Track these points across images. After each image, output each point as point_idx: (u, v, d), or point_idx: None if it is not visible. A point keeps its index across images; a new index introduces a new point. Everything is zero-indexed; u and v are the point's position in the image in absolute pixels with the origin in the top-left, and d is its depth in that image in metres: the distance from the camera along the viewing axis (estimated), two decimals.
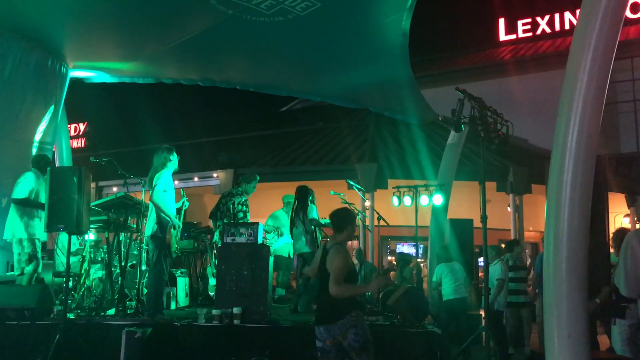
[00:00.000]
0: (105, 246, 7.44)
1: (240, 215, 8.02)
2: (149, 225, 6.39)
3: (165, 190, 6.32)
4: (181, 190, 7.52)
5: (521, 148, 14.94)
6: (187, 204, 7.14)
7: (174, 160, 6.54)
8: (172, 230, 6.39)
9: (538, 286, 9.02)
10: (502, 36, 19.45)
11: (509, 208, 13.54)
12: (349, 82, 9.82)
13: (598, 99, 4.07)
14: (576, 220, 3.99)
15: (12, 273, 7.60)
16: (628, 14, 16.01)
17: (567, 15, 18.41)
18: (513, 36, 19.26)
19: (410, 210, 10.10)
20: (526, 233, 13.87)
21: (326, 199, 9.23)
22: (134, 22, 8.40)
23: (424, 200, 9.97)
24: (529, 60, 17.47)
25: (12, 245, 6.89)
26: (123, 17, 8.20)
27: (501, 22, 19.50)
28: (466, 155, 12.33)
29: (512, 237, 12.90)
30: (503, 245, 11.56)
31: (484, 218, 6.09)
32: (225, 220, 7.88)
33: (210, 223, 8.88)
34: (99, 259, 7.51)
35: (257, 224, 6.65)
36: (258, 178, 8.42)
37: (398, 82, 9.19)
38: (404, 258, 11.04)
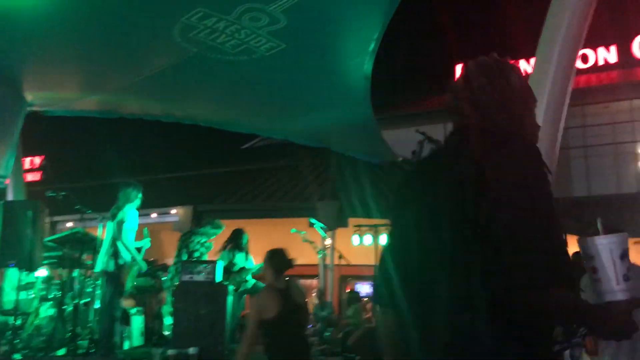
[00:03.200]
0: (58, 282, 7.21)
1: (197, 254, 7.90)
2: (101, 261, 6.23)
3: (132, 230, 6.25)
4: (145, 229, 7.38)
5: None
6: (148, 244, 7.02)
7: (138, 198, 6.47)
8: (132, 269, 6.27)
9: None
10: None
11: None
12: (311, 122, 9.94)
13: (552, 144, 4.24)
14: None
15: None
16: (579, 64, 16.78)
17: (522, 63, 19.18)
18: None
19: (370, 249, 10.16)
20: None
21: (287, 237, 9.22)
22: (96, 57, 8.34)
23: (383, 239, 10.05)
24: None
25: None
26: (85, 52, 8.14)
27: (458, 67, 20.16)
28: None
29: None
30: None
31: None
32: (183, 258, 7.77)
33: (168, 261, 8.75)
34: (51, 296, 7.27)
35: (215, 262, 6.57)
36: (223, 228, 8.33)
37: (359, 123, 9.35)
38: (354, 296, 11.07)
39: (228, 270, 7.80)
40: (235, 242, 8.19)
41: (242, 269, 7.85)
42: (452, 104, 1.93)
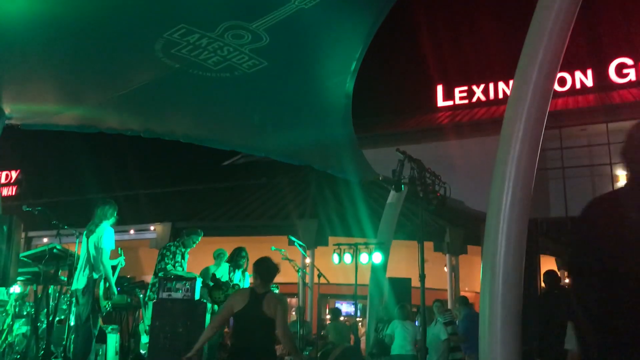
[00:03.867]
0: (32, 300, 7.07)
1: (158, 258, 7.69)
2: (82, 279, 6.12)
3: (109, 248, 6.15)
4: (119, 249, 7.27)
5: (458, 210, 15.40)
6: (123, 263, 6.92)
7: (115, 216, 6.39)
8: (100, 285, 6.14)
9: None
10: (440, 102, 20.34)
11: (445, 268, 13.80)
12: (292, 140, 9.94)
13: (530, 165, 4.30)
14: (510, 281, 4.13)
15: None
16: (556, 87, 17.11)
17: (501, 85, 19.50)
18: (450, 102, 20.16)
19: (350, 268, 10.14)
20: (462, 293, 14.10)
21: (266, 255, 9.16)
22: (75, 70, 8.27)
23: (363, 258, 10.05)
24: (465, 126, 18.28)
25: None
26: (64, 65, 8.07)
27: (439, 88, 20.42)
28: (405, 214, 12.58)
29: (449, 297, 13.09)
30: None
31: (422, 277, 6.20)
32: (159, 274, 7.61)
33: (146, 278, 8.62)
34: (25, 313, 7.12)
35: (195, 278, 6.50)
36: (201, 233, 8.21)
37: (340, 141, 9.38)
38: (335, 312, 11.05)
39: (218, 284, 7.79)
40: (234, 260, 8.18)
41: (235, 285, 7.80)
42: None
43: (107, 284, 6.11)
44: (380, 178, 10.44)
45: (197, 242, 8.02)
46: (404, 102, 22.76)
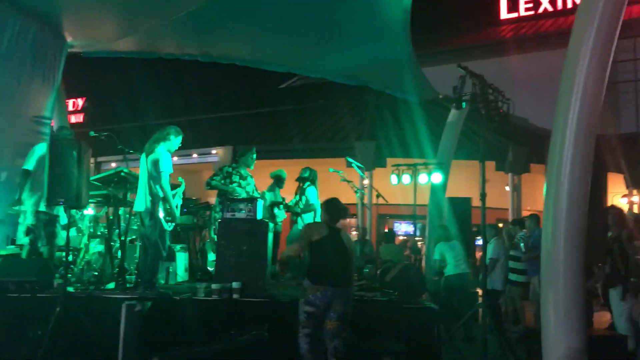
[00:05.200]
0: (105, 222, 7.46)
1: (217, 180, 7.83)
2: (142, 201, 6.30)
3: (167, 171, 6.28)
4: (179, 177, 7.48)
5: (521, 127, 14.92)
6: (181, 190, 7.15)
7: (174, 142, 6.47)
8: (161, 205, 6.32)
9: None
10: (504, 14, 19.31)
11: (507, 187, 13.57)
12: (349, 59, 9.76)
13: (599, 79, 4.06)
14: (575, 200, 4.01)
15: (12, 247, 7.64)
16: None
17: None
18: (515, 14, 19.11)
19: (408, 188, 10.13)
20: (524, 212, 13.91)
21: (324, 177, 9.25)
22: None
23: (423, 178, 9.99)
24: (530, 39, 17.37)
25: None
26: None
27: (503, 0, 19.33)
28: (466, 133, 12.31)
29: (510, 217, 12.96)
30: (501, 225, 11.60)
31: (483, 196, 6.11)
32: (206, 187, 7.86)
33: (210, 199, 8.88)
34: (99, 233, 7.54)
35: (256, 199, 6.66)
36: (254, 149, 8.23)
37: (399, 59, 9.13)
38: (388, 235, 11.18)
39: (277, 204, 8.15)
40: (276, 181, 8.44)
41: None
42: None
43: (168, 206, 6.29)
44: (441, 96, 10.19)
45: (254, 158, 8.06)
46: (466, 16, 21.73)
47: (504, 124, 6.44)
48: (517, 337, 7.86)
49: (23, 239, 6.81)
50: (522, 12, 19.01)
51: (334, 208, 5.21)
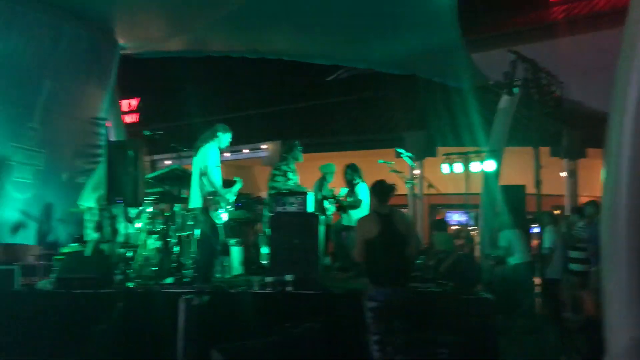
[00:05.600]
0: (162, 218, 7.65)
1: (272, 184, 7.79)
2: (195, 197, 6.45)
3: (217, 166, 6.42)
4: (234, 177, 7.62)
5: (576, 111, 14.43)
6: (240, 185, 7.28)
7: (222, 138, 6.58)
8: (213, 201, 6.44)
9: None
10: None
11: (562, 173, 13.18)
12: (396, 48, 9.65)
13: None
14: (637, 184, 3.86)
15: (75, 245, 7.96)
16: None
17: None
18: None
19: (460, 177, 9.99)
20: (581, 199, 13.49)
21: (373, 168, 9.20)
22: None
23: (475, 167, 9.82)
24: (582, 20, 16.75)
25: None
26: None
27: None
28: (518, 119, 12.00)
29: (566, 203, 12.59)
30: (557, 212, 11.31)
31: (537, 183, 5.96)
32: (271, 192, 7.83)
33: (262, 194, 8.97)
34: (156, 230, 7.76)
35: (306, 193, 6.70)
36: (297, 142, 8.23)
37: (447, 46, 8.97)
38: (440, 224, 10.93)
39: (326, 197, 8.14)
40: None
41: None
42: None
43: (219, 197, 6.41)
44: (491, 82, 9.96)
45: (300, 151, 8.08)
46: None
47: (558, 108, 6.27)
48: (576, 327, 7.65)
49: (91, 235, 7.07)
50: None
51: (379, 189, 5.08)
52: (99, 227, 7.02)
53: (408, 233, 4.95)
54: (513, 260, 8.07)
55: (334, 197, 8.30)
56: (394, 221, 4.89)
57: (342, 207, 8.21)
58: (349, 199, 8.14)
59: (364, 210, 7.97)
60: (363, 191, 8.05)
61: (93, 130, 9.86)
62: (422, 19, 8.46)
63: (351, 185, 8.18)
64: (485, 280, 8.02)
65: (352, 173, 8.19)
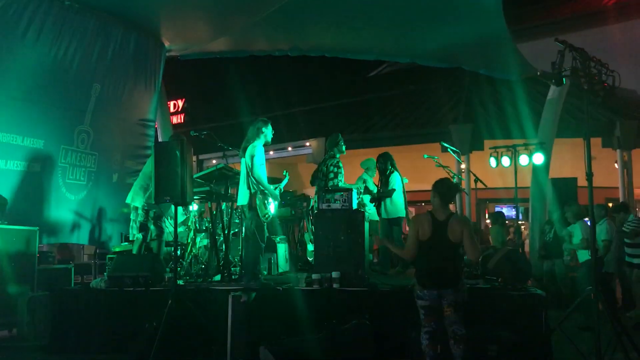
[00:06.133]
0: (209, 216, 7.78)
1: (331, 175, 7.66)
2: (243, 195, 6.53)
3: (262, 164, 6.47)
4: (284, 171, 7.68)
5: (629, 100, 13.92)
6: (286, 180, 7.30)
7: (266, 133, 6.63)
8: (266, 201, 6.50)
9: None
10: None
11: (616, 165, 12.74)
12: (440, 40, 9.50)
13: None
14: None
15: (125, 244, 8.19)
16: None
17: None
18: None
19: (508, 171, 9.78)
20: (636, 191, 13.02)
21: (419, 163, 9.11)
22: None
23: (523, 160, 9.60)
24: (633, 4, 16.11)
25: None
26: None
27: None
28: (568, 110, 11.69)
29: (620, 195, 12.17)
30: (610, 205, 10.93)
31: (589, 176, 5.76)
32: (321, 184, 7.76)
33: (307, 191, 9.01)
34: (204, 228, 7.89)
35: (351, 189, 6.68)
36: (340, 135, 8.14)
37: (492, 37, 8.78)
38: (498, 216, 10.67)
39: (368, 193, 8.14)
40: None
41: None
42: None
43: (267, 192, 6.45)
44: (539, 73, 9.70)
45: (343, 144, 8.01)
46: None
47: (609, 98, 6.02)
48: (633, 324, 7.40)
49: (137, 235, 7.26)
50: None
51: (444, 188, 4.88)
52: (142, 227, 7.19)
53: (461, 241, 4.74)
54: (586, 255, 7.70)
55: (370, 191, 8.21)
56: (449, 230, 4.72)
57: (375, 198, 8.12)
58: (382, 188, 8.04)
59: (396, 200, 7.88)
60: (396, 180, 7.95)
61: (142, 131, 10.11)
62: (467, 9, 8.30)
63: (384, 174, 8.07)
64: (536, 275, 7.81)
65: (384, 162, 8.08)
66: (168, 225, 7.58)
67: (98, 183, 9.13)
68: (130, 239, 7.42)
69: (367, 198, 8.37)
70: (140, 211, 7.21)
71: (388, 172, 8.02)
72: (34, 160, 8.04)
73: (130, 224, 7.44)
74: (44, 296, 6.95)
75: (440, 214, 4.81)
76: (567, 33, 12.82)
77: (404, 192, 8.07)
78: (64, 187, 8.56)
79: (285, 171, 7.72)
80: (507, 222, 10.82)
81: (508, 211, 14.07)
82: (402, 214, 8.03)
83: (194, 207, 8.13)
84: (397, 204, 7.93)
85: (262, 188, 6.41)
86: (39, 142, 8.11)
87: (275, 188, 6.85)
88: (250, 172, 6.39)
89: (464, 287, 4.81)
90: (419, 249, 4.80)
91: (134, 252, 7.19)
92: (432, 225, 4.74)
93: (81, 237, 8.91)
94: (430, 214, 4.83)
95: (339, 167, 7.63)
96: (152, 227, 7.26)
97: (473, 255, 4.89)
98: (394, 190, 7.88)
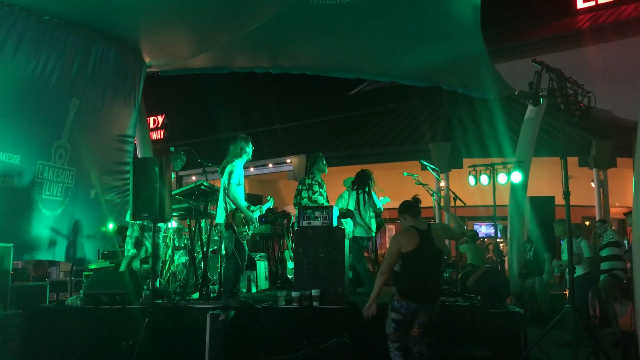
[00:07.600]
0: (187, 234, 7.70)
1: (298, 199, 7.74)
2: (220, 213, 6.50)
3: (239, 184, 6.45)
4: (268, 196, 7.65)
5: (604, 120, 14.19)
6: (262, 211, 7.27)
7: (248, 151, 6.63)
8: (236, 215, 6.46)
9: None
10: (580, 3, 18.50)
11: (592, 184, 12.94)
12: (419, 60, 9.63)
13: None
14: None
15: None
16: None
17: None
18: (592, 3, 18.26)
19: (487, 189, 9.85)
20: (612, 209, 13.22)
21: (398, 181, 9.13)
22: (205, 13, 8.59)
23: (502, 178, 9.69)
24: (609, 28, 16.51)
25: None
26: (194, 9, 8.39)
27: None
28: (545, 130, 11.86)
29: (597, 214, 12.34)
30: (587, 223, 11.08)
31: (566, 194, 5.84)
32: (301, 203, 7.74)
33: (287, 208, 8.97)
34: (182, 245, 7.80)
35: (331, 207, 6.68)
36: (321, 154, 8.15)
37: (470, 57, 8.93)
38: (469, 234, 10.76)
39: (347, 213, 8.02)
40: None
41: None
42: None
43: (242, 214, 6.42)
44: (516, 92, 9.85)
45: (325, 163, 8.00)
46: (539, 7, 20.95)
47: (585, 118, 6.13)
48: (611, 341, 7.45)
49: (132, 251, 7.16)
50: (600, 0, 18.14)
51: (410, 206, 5.01)
52: (137, 243, 7.11)
53: (444, 248, 4.94)
54: (579, 270, 7.90)
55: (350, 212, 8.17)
56: (434, 235, 4.85)
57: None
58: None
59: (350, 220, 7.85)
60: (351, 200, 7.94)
61: (121, 147, 10.01)
62: (445, 31, 8.45)
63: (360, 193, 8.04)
64: (515, 293, 7.88)
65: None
66: (146, 242, 7.51)
67: (75, 199, 8.99)
68: (126, 254, 7.30)
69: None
70: (136, 227, 7.13)
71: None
72: (10, 175, 7.89)
73: (126, 239, 7.34)
74: (17, 314, 6.80)
75: (420, 225, 4.90)
76: (544, 54, 13.07)
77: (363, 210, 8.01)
78: (40, 203, 8.42)
79: (270, 197, 7.67)
80: (485, 239, 10.91)
81: (487, 229, 14.19)
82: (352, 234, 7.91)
83: (172, 224, 8.04)
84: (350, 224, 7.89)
85: (243, 214, 6.39)
86: (15, 158, 7.97)
87: (254, 211, 6.79)
88: (226, 191, 6.37)
89: (438, 308, 4.88)
90: (403, 262, 4.80)
91: (122, 268, 7.07)
92: (417, 234, 4.81)
93: (57, 253, 8.74)
94: (412, 227, 4.91)
95: (314, 186, 7.65)
96: (147, 243, 7.17)
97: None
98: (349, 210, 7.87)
